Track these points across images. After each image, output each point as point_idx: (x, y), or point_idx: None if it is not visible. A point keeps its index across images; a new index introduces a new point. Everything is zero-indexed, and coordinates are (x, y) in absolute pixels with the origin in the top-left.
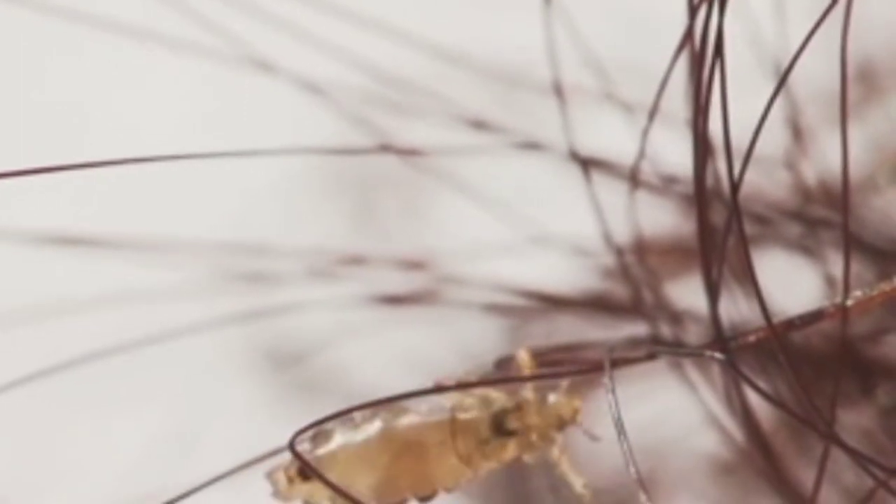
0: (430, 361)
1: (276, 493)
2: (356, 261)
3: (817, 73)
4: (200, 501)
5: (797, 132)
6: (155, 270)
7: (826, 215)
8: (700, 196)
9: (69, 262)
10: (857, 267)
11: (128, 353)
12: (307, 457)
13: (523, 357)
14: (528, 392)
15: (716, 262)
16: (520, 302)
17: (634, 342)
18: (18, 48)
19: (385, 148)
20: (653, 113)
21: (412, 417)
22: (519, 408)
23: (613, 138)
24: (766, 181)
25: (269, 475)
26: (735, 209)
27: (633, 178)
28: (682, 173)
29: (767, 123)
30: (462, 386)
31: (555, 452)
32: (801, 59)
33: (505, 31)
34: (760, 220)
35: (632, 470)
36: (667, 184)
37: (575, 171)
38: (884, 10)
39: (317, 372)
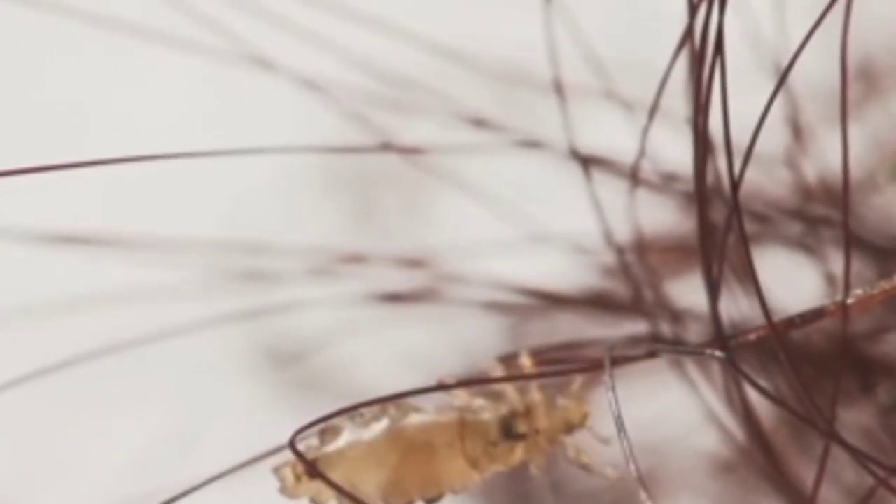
0: (431, 359)
1: (283, 490)
2: (356, 259)
3: (817, 72)
4: (201, 500)
5: (797, 130)
6: (155, 269)
7: (826, 213)
8: (700, 194)
9: (69, 261)
10: (857, 265)
11: (128, 352)
12: (315, 453)
13: (524, 360)
14: (536, 395)
15: (716, 260)
16: (520, 300)
17: (635, 340)
18: (18, 48)
19: (385, 146)
20: (653, 111)
21: (420, 416)
22: (528, 411)
23: (614, 136)
24: (766, 179)
25: (277, 471)
26: (735, 207)
27: (634, 177)
28: (683, 171)
29: (767, 122)
30: (463, 384)
31: (571, 452)
32: (801, 58)
33: (505, 30)
34: (761, 218)
35: (632, 468)
36: (667, 182)
37: (575, 170)
38: (884, 8)
39: (317, 370)
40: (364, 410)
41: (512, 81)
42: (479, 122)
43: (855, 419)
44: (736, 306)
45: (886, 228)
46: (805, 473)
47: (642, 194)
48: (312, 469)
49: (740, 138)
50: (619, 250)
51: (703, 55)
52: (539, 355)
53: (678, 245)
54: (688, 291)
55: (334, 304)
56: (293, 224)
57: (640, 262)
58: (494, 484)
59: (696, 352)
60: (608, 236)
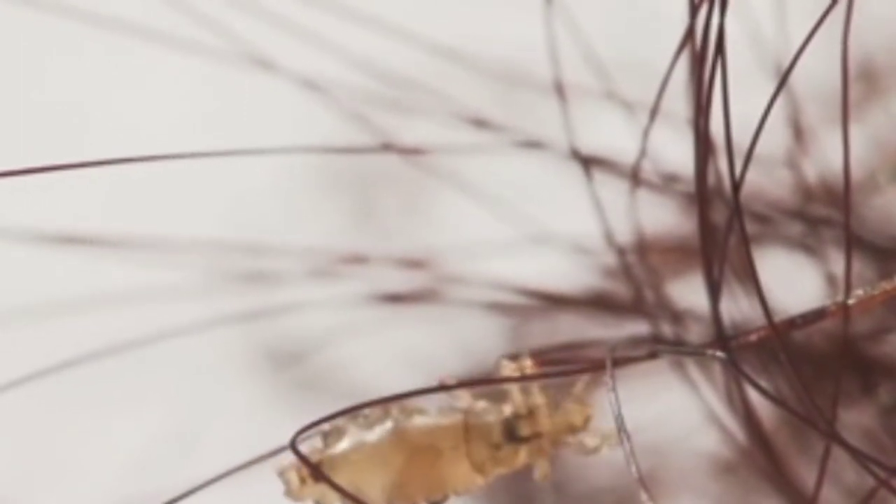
0: (431, 360)
1: (288, 493)
2: (356, 259)
3: (818, 73)
4: (202, 501)
5: (798, 131)
6: (155, 270)
7: (827, 214)
8: (701, 195)
9: (69, 261)
10: (858, 266)
11: (128, 353)
12: (319, 455)
13: (525, 361)
14: (538, 397)
15: (717, 261)
16: (521, 301)
17: (636, 341)
18: (18, 48)
19: (386, 146)
20: (654, 112)
21: (424, 418)
22: (530, 414)
23: (614, 137)
24: (767, 180)
25: (282, 474)
26: (736, 208)
27: (635, 177)
28: (684, 172)
29: (768, 122)
30: (464, 384)
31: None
32: (801, 59)
33: (506, 30)
34: (761, 219)
35: (633, 469)
36: (668, 183)
37: (576, 170)
38: (884, 9)
39: (317, 371)
40: (367, 412)
41: (512, 82)
42: (480, 123)
43: (856, 420)
44: (737, 307)
45: (887, 229)
46: (806, 474)
47: (643, 195)
48: (317, 472)
49: (741, 139)
50: (620, 251)
51: (704, 56)
52: (540, 356)
53: (679, 246)
54: (689, 292)
55: (335, 305)
56: (293, 224)
57: (641, 262)
58: (496, 485)
59: (697, 352)
60: (609, 237)
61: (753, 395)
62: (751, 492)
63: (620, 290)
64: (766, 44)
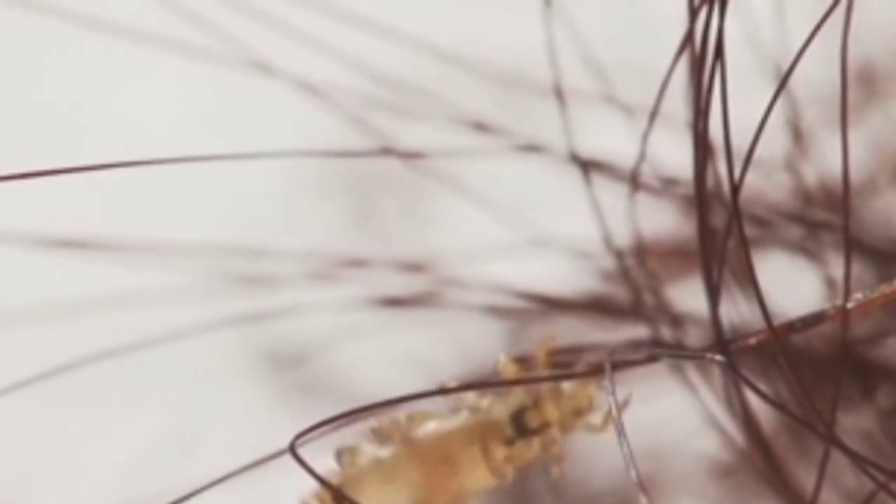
0: (431, 363)
1: None
2: (356, 263)
3: (818, 76)
4: (202, 503)
5: (797, 134)
6: (155, 273)
7: (826, 217)
8: (700, 198)
9: (69, 264)
10: (857, 269)
11: (128, 355)
12: (336, 476)
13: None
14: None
15: (716, 264)
16: (520, 304)
17: (635, 345)
18: (18, 48)
19: (385, 150)
20: (653, 115)
21: (434, 424)
22: (536, 404)
23: (614, 140)
24: (766, 183)
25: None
26: (735, 211)
27: (634, 181)
28: (683, 175)
29: (768, 126)
30: (463, 388)
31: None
32: (801, 62)
33: (505, 33)
34: (761, 222)
35: (632, 472)
36: (667, 186)
37: (575, 174)
38: (884, 11)
39: (317, 374)
40: (376, 424)
41: (512, 85)
42: (479, 126)
43: (855, 423)
44: (736, 310)
45: (887, 232)
46: (805, 477)
47: (642, 198)
48: (340, 495)
49: (740, 142)
50: (620, 254)
51: (703, 59)
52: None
53: (678, 249)
54: (688, 295)
55: (334, 308)
56: (293, 228)
57: (641, 266)
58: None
59: (696, 356)
60: (608, 240)
61: (753, 399)
62: (750, 495)
63: (619, 293)
64: (765, 47)
